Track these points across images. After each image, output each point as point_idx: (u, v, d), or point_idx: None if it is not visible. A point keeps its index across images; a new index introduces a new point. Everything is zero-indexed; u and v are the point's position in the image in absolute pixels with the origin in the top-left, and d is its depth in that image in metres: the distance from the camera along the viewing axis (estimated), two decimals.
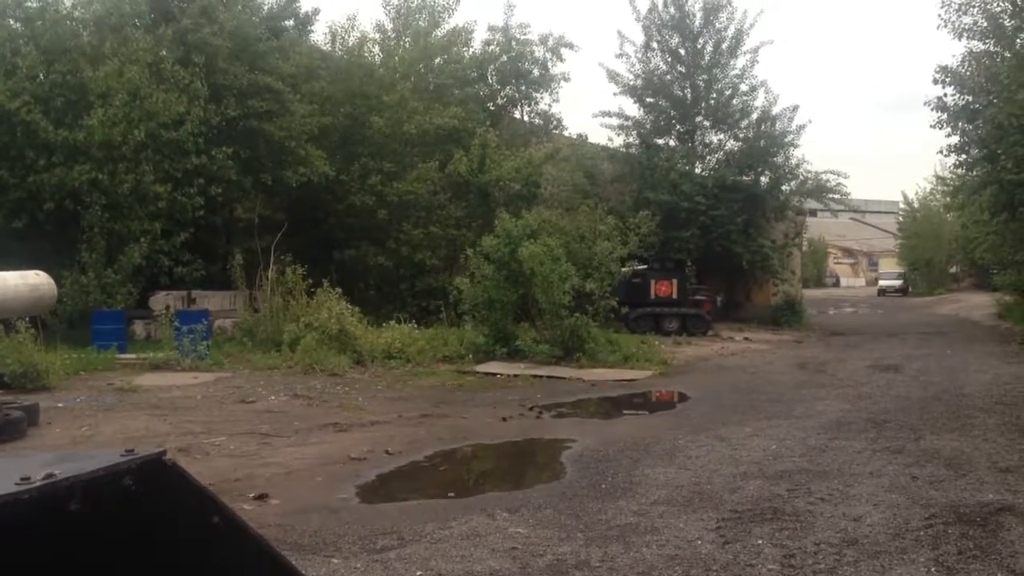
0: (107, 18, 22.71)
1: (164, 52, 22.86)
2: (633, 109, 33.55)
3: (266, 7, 27.23)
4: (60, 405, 12.89)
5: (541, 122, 34.21)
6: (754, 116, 33.10)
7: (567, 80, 33.22)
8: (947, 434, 10.99)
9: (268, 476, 8.87)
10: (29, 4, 21.85)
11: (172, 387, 14.90)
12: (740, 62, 33.04)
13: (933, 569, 5.93)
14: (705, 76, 32.83)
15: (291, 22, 27.83)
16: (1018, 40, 27.21)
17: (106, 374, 16.19)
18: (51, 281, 17.18)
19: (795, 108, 32.98)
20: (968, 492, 8.02)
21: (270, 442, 10.63)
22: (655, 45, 33.22)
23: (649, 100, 33.27)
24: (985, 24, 27.46)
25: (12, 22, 21.85)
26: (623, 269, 22.17)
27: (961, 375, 17.55)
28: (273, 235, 23.24)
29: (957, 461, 9.35)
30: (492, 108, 31.98)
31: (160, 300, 21.58)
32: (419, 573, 5.93)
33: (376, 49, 30.39)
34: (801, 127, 32.91)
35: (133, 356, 18.17)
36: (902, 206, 68.71)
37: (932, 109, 28.68)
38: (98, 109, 20.55)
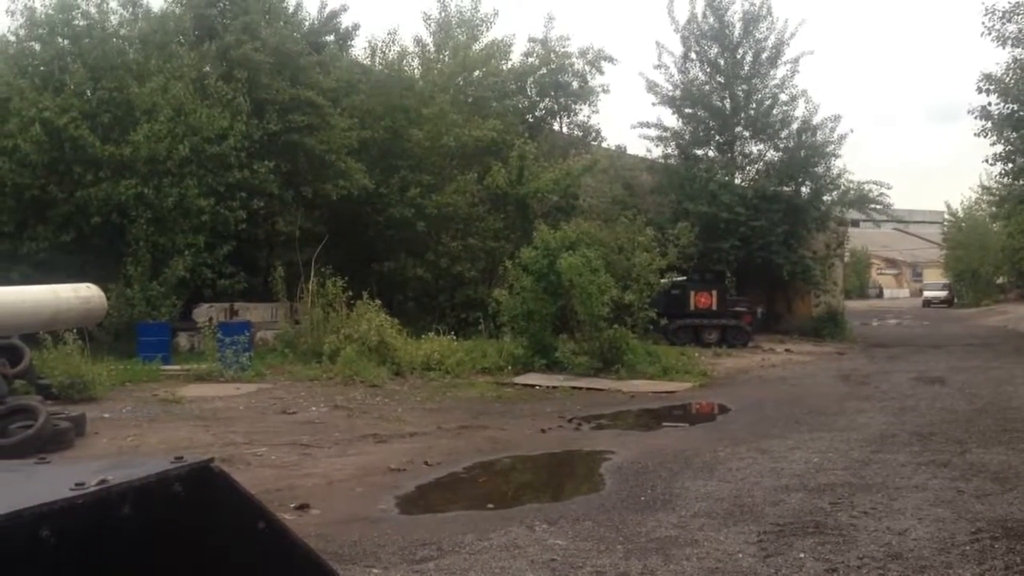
0: (152, 36, 23.15)
1: (208, 68, 23.25)
2: (672, 120, 33.44)
3: (307, 23, 27.59)
4: (106, 415, 13.11)
5: (580, 134, 34.21)
6: (794, 126, 32.77)
7: (606, 92, 33.22)
8: (994, 447, 10.79)
9: (309, 486, 8.94)
10: (77, 23, 22.31)
11: (215, 398, 15.09)
12: (780, 72, 32.78)
13: None
14: (745, 86, 32.59)
15: (332, 37, 28.14)
16: None
17: (151, 385, 16.44)
18: (101, 294, 17.51)
19: (836, 118, 32.59)
20: (1015, 506, 7.88)
21: (311, 453, 10.73)
22: (694, 56, 33.06)
23: (688, 111, 33.10)
24: None
25: (60, 40, 22.33)
26: (662, 280, 22.06)
27: (1008, 388, 17.23)
28: (314, 247, 23.46)
29: (1004, 475, 9.18)
30: (531, 120, 32.04)
31: (203, 312, 21.86)
32: None
33: (415, 63, 30.62)
34: (842, 137, 32.51)
35: (177, 367, 18.43)
36: (946, 216, 67.63)
37: (976, 118, 28.38)
38: (144, 125, 20.94)
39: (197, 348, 20.51)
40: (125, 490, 1.25)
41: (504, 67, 31.09)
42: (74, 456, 10.19)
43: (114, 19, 23.87)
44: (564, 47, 32.22)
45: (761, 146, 33.53)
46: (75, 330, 16.16)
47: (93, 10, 22.79)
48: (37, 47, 22.53)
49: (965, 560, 6.32)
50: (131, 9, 24.10)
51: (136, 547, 1.31)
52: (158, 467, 1.34)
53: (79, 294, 16.66)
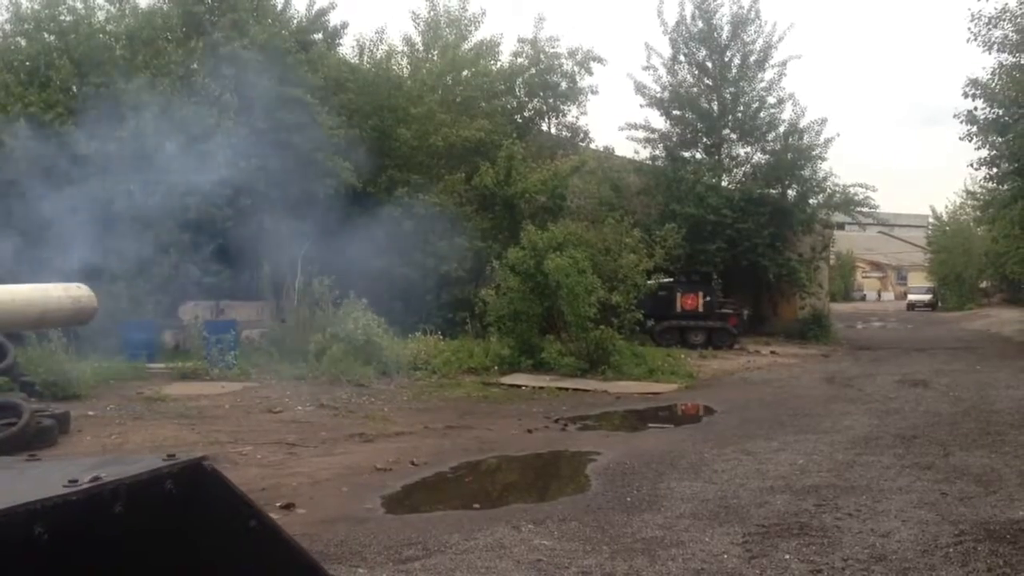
0: (139, 32, 23.05)
1: (195, 65, 23.16)
2: (660, 122, 33.53)
3: (295, 21, 27.50)
4: (90, 413, 13.03)
5: (568, 134, 34.20)
6: (781, 129, 32.92)
7: (595, 93, 33.16)
8: (977, 450, 10.87)
9: (295, 486, 8.92)
10: (63, 18, 22.21)
11: (200, 396, 15.02)
12: (768, 75, 32.93)
13: None
14: (732, 89, 32.71)
15: (320, 35, 28.06)
16: None
17: (135, 383, 16.34)
18: (92, 294, 17.37)
19: (823, 121, 32.80)
20: (998, 509, 7.94)
21: (296, 452, 10.70)
22: (682, 58, 33.18)
23: (676, 113, 33.19)
24: (1016, 37, 27.25)
25: (46, 35, 22.22)
26: (649, 282, 22.10)
27: (991, 391, 17.35)
28: (300, 246, 23.35)
29: (987, 477, 9.25)
30: (519, 120, 32.02)
31: (189, 310, 21.77)
32: None
33: (404, 62, 30.60)
34: (829, 140, 32.69)
35: (162, 365, 18.33)
36: (931, 220, 68.05)
37: (962, 122, 28.51)
38: (130, 121, 20.83)
39: (182, 346, 20.42)
40: (117, 487, 1.25)
41: (493, 67, 31.08)
42: (58, 454, 10.13)
43: (101, 15, 23.79)
44: (553, 47, 32.23)
45: (748, 149, 33.70)
46: (59, 328, 16.06)
47: (79, 5, 22.71)
48: (23, 42, 22.43)
49: (948, 562, 6.36)
50: (118, 5, 23.99)
51: (129, 544, 1.30)
52: (150, 465, 1.34)
53: (70, 293, 16.52)
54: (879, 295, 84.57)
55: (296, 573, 1.58)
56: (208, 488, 1.41)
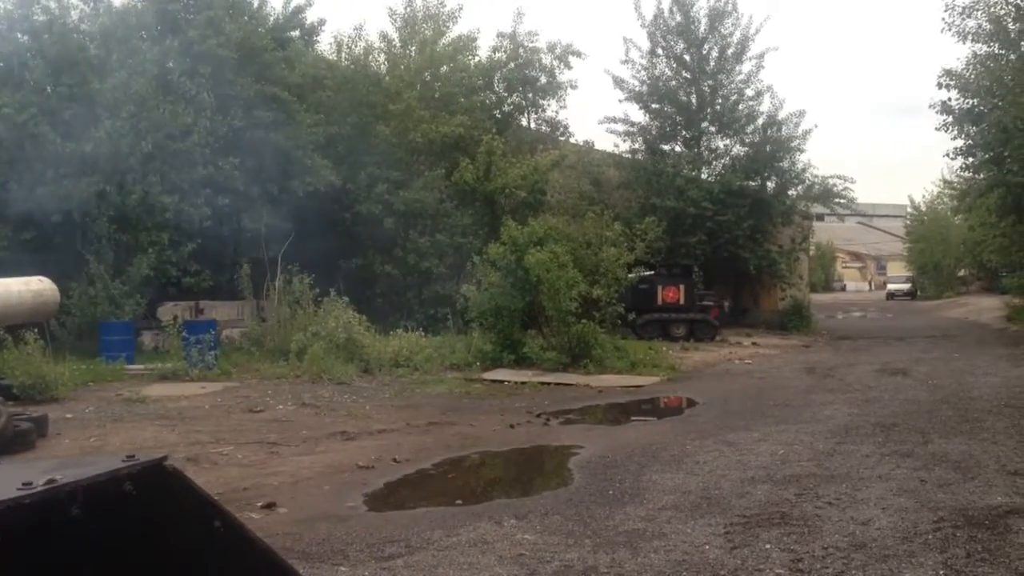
0: (114, 31, 22.84)
1: (171, 64, 22.97)
2: (639, 115, 33.55)
3: (272, 18, 27.32)
4: (69, 416, 12.93)
5: (548, 129, 34.16)
6: (760, 121, 33.05)
7: (574, 87, 33.06)
8: (956, 437, 10.95)
9: (276, 485, 8.89)
10: (36, 18, 21.98)
11: (180, 397, 14.94)
12: (745, 67, 33.04)
13: (942, 572, 5.91)
14: (710, 82, 32.81)
15: (297, 32, 27.90)
16: (1022, 43, 27.22)
17: (114, 385, 16.24)
18: (54, 287, 17.16)
19: (801, 113, 33.06)
20: (977, 495, 8.00)
21: (278, 451, 10.65)
22: (660, 51, 33.25)
23: (655, 106, 33.23)
24: (989, 27, 27.46)
25: (19, 35, 21.99)
26: (630, 275, 22.15)
27: (969, 378, 17.49)
28: (280, 245, 23.30)
29: (966, 464, 9.32)
30: (498, 116, 31.95)
31: (168, 310, 21.63)
32: None
33: (382, 58, 30.50)
34: (807, 132, 32.86)
35: (141, 367, 18.22)
36: (909, 210, 68.42)
37: (937, 112, 28.72)
38: (105, 121, 20.66)
39: (162, 347, 20.29)
40: (74, 489, 1.23)
41: (471, 62, 31.00)
42: (36, 457, 10.04)
43: (74, 14, 23.55)
44: (532, 42, 32.16)
45: (727, 141, 33.81)
46: (36, 329, 15.92)
47: (53, 5, 22.47)
48: None
49: (927, 549, 6.40)
50: (92, 4, 23.77)
51: (88, 546, 1.29)
52: (109, 466, 1.32)
53: (30, 287, 16.36)
54: (871, 285, 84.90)
55: (264, 573, 1.57)
56: (169, 489, 1.39)
